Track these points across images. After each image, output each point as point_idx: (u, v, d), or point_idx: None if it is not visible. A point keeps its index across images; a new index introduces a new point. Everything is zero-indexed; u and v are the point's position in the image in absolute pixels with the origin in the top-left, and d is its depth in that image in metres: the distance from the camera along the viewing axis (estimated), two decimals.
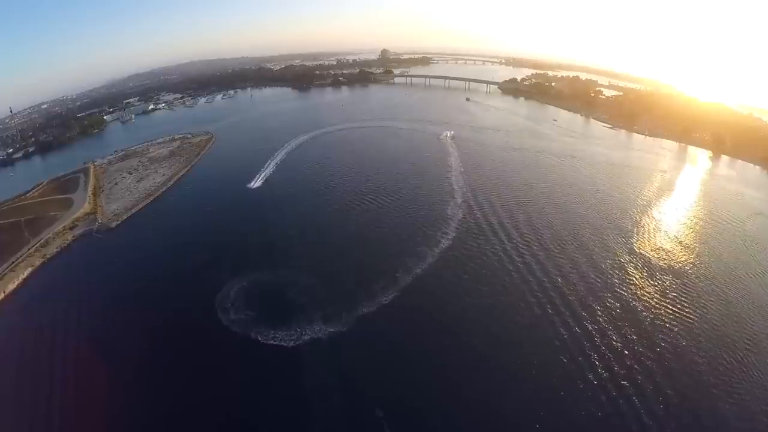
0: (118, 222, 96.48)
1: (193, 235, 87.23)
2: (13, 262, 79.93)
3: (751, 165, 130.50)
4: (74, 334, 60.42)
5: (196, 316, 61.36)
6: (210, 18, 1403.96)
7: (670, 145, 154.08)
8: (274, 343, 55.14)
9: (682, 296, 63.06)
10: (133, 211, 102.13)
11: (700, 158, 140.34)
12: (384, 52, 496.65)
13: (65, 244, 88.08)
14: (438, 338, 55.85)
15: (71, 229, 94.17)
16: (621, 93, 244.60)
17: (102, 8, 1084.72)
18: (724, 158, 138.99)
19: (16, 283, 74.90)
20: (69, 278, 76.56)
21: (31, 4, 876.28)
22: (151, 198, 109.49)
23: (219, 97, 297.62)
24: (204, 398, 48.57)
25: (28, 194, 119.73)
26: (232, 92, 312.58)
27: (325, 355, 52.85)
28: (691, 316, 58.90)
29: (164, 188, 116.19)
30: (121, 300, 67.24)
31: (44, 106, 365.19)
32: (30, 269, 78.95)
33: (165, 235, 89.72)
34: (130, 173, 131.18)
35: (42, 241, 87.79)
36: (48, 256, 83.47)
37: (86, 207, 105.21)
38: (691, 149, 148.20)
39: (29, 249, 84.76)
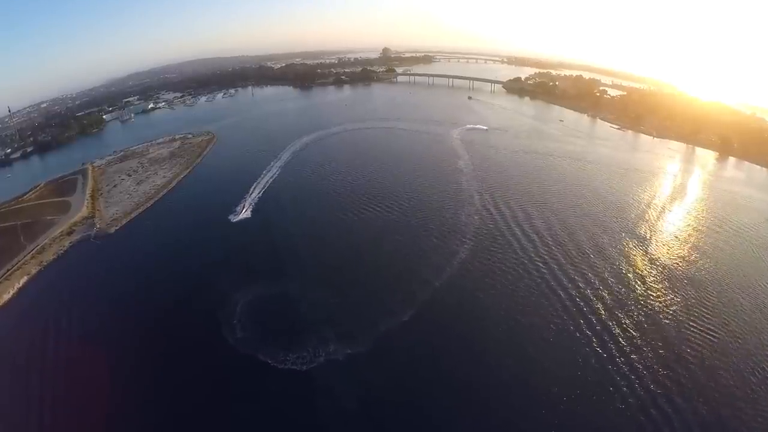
0: (117, 227, 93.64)
1: (195, 242, 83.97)
2: (8, 270, 77.42)
3: (758, 167, 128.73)
4: (71, 348, 57.76)
5: (200, 333, 58.11)
6: (209, 17, 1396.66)
7: (677, 146, 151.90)
8: (286, 367, 51.39)
9: (704, 308, 60.58)
10: (133, 215, 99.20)
11: (708, 160, 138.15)
12: (385, 50, 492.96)
13: (62, 251, 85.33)
14: (462, 357, 52.85)
15: (68, 234, 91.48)
16: (624, 93, 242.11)
17: (101, 6, 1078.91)
18: (731, 160, 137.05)
19: (11, 292, 72.15)
20: (66, 288, 73.71)
21: (30, 2, 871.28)
22: (152, 202, 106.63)
23: (220, 95, 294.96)
24: (210, 428, 45.85)
25: (25, 196, 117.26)
26: (232, 91, 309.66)
27: (343, 379, 49.12)
28: (715, 329, 56.53)
29: (165, 191, 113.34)
30: (119, 313, 64.29)
31: (43, 105, 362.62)
32: (26, 278, 76.27)
33: (166, 241, 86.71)
34: (129, 175, 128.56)
35: (38, 247, 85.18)
36: (44, 263, 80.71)
37: (84, 211, 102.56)
38: (699, 151, 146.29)
39: (25, 256, 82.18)
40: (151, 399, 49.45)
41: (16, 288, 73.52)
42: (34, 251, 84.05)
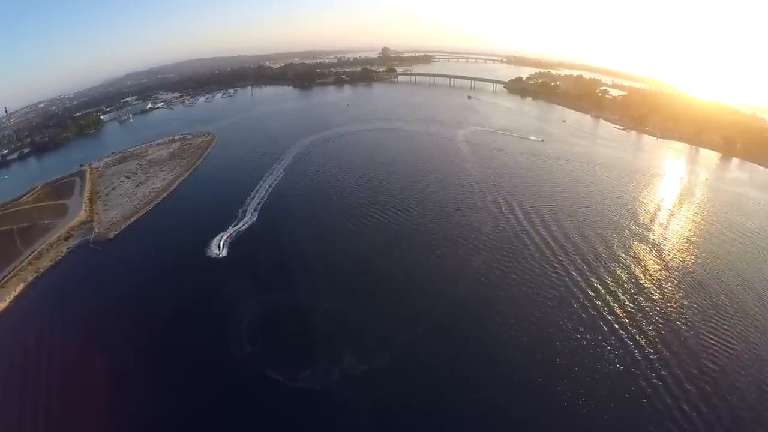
0: (116, 232, 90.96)
1: (198, 248, 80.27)
2: (4, 277, 75.00)
3: (761, 168, 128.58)
4: (69, 359, 55.64)
5: (204, 346, 55.58)
6: (206, 17, 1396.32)
7: (681, 147, 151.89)
8: (298, 385, 48.36)
9: (720, 314, 59.59)
10: (132, 219, 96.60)
11: (712, 161, 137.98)
12: (385, 50, 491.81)
13: (60, 257, 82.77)
14: (483, 370, 50.72)
15: (66, 239, 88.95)
16: (625, 93, 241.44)
17: (99, 6, 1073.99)
18: (735, 161, 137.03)
19: (8, 300, 69.60)
20: (63, 296, 71.22)
21: (28, 2, 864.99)
22: (152, 205, 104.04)
23: (219, 96, 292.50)
24: None
25: (21, 199, 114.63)
26: (231, 91, 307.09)
27: (360, 398, 46.37)
28: (731, 336, 55.57)
29: (165, 194, 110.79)
30: (118, 323, 61.62)
31: (41, 105, 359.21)
32: (23, 285, 73.78)
33: (167, 247, 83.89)
34: (128, 177, 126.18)
35: (35, 253, 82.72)
36: (41, 270, 78.17)
37: (82, 214, 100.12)
38: (702, 151, 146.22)
39: (22, 262, 79.75)
40: (151, 415, 47.30)
41: (12, 296, 71.08)
42: (30, 257, 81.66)
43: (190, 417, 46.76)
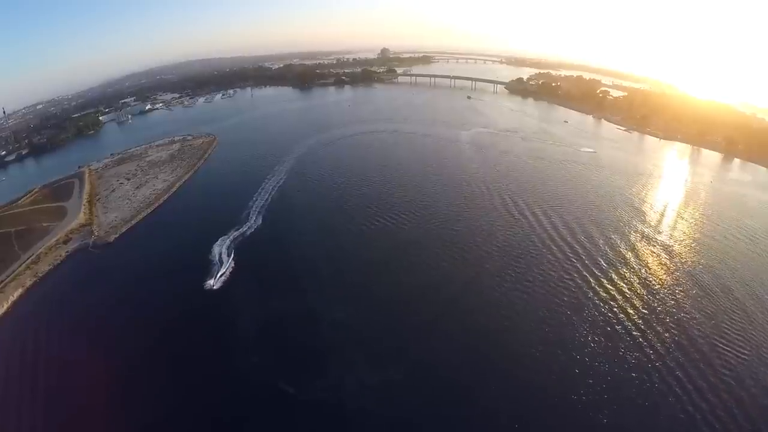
0: (116, 235, 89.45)
1: (200, 252, 78.20)
2: (2, 281, 73.35)
3: (764, 169, 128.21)
4: (68, 368, 54.04)
5: (209, 357, 53.85)
6: (205, 18, 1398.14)
7: (684, 147, 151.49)
8: (311, 396, 46.17)
9: (733, 317, 58.81)
10: (133, 222, 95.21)
11: (715, 162, 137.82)
12: (384, 51, 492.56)
13: (59, 261, 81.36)
14: (501, 381, 49.12)
15: (65, 242, 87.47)
16: (625, 93, 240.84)
17: (99, 6, 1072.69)
18: (737, 161, 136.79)
19: (5, 306, 68.07)
20: (63, 301, 69.79)
21: (26, 2, 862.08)
22: (152, 208, 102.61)
23: (218, 96, 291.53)
24: None
25: (19, 201, 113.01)
26: (231, 92, 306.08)
27: (378, 410, 44.48)
28: (744, 339, 54.95)
29: (166, 196, 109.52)
30: (119, 332, 59.91)
31: (39, 106, 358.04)
32: (21, 290, 72.26)
33: (169, 251, 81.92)
34: (128, 179, 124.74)
35: (33, 256, 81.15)
36: (40, 274, 76.70)
37: (81, 217, 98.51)
38: (705, 152, 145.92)
39: (20, 266, 78.17)
40: (150, 427, 45.70)
41: (10, 301, 69.55)
42: (29, 261, 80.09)
43: (193, 429, 45.33)
